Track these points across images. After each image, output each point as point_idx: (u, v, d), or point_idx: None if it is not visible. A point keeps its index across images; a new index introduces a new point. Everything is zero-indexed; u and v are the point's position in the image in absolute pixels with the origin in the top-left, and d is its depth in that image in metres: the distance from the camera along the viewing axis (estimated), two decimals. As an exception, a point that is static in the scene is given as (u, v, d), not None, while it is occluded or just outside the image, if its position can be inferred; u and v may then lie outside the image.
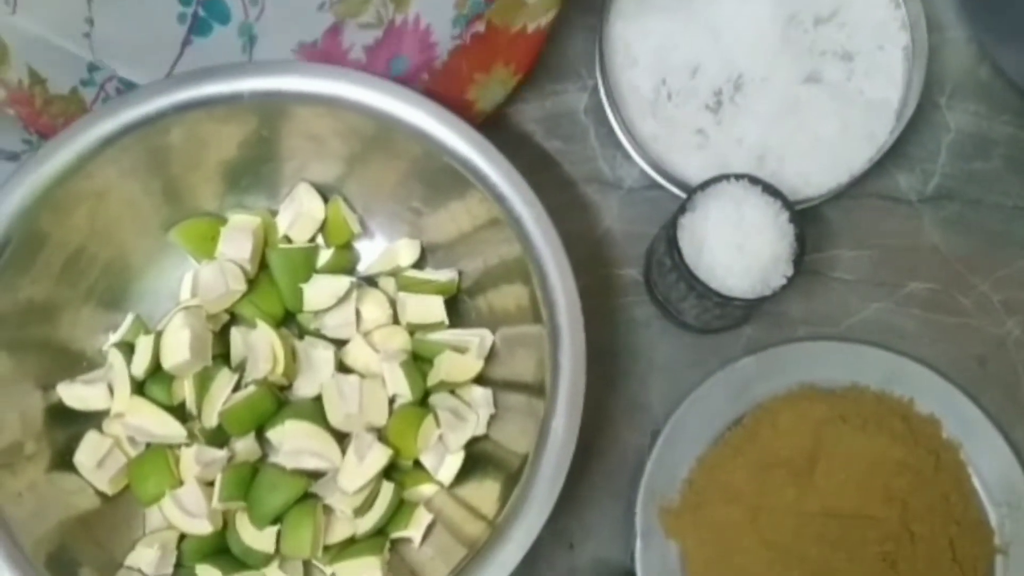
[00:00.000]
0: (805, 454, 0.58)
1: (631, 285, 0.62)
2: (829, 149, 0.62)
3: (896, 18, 0.64)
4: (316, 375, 0.56)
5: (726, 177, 0.55)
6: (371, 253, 0.61)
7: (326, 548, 0.54)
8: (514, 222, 0.54)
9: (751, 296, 0.54)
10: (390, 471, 0.55)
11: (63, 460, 0.54)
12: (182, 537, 0.55)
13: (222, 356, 0.57)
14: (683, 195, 0.62)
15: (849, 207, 0.64)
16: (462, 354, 0.57)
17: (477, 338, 0.57)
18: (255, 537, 0.53)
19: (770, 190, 0.55)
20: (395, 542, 0.56)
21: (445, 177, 0.55)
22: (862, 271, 0.63)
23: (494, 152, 0.54)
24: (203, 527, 0.53)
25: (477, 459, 0.57)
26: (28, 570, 0.48)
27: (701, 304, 0.56)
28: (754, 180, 0.55)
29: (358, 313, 0.58)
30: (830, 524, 0.57)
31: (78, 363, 0.56)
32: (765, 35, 0.63)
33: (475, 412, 0.56)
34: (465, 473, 0.57)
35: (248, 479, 0.54)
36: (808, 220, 0.62)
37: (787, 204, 0.55)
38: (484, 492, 0.55)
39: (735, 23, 0.63)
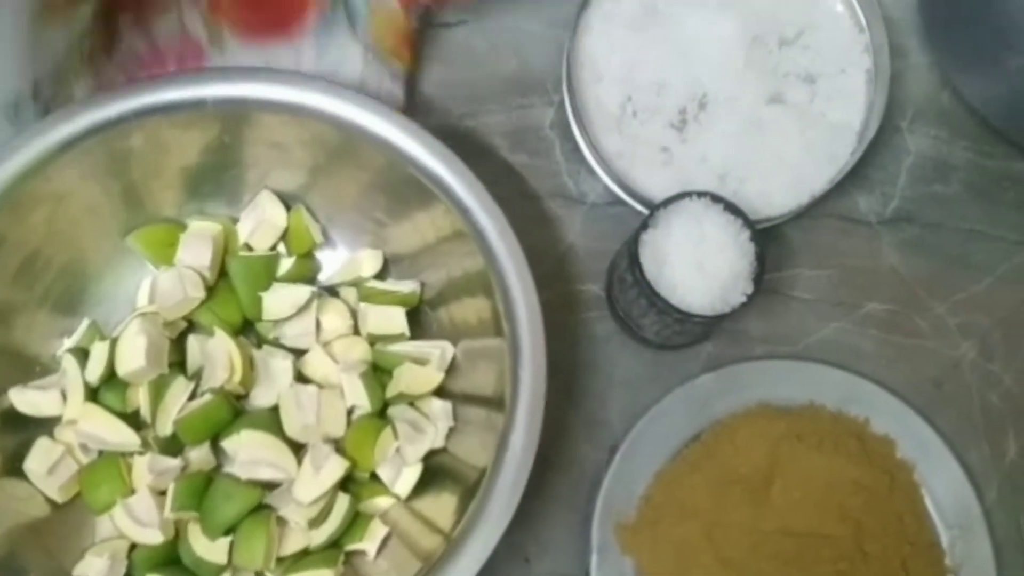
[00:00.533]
0: (762, 472, 0.58)
1: (593, 300, 0.62)
2: (791, 169, 0.63)
3: (860, 42, 0.65)
4: (274, 385, 0.56)
5: (688, 195, 0.56)
6: (333, 263, 0.61)
7: (279, 560, 0.54)
8: (477, 235, 0.54)
9: (711, 313, 0.54)
10: (346, 483, 0.55)
11: (13, 467, 0.53)
12: (133, 547, 0.54)
13: (178, 364, 0.57)
14: (646, 212, 0.62)
15: (809, 227, 0.65)
16: (422, 366, 0.56)
17: (438, 350, 0.57)
18: (207, 548, 0.52)
19: (732, 208, 0.55)
20: (349, 555, 0.55)
21: (409, 188, 0.55)
22: (821, 291, 0.64)
23: (459, 164, 0.54)
24: (154, 537, 0.52)
25: (435, 472, 0.57)
26: (-27, 579, 0.48)
27: (662, 320, 0.57)
28: (716, 198, 0.55)
29: (318, 323, 0.58)
30: (786, 542, 0.57)
31: (31, 368, 0.56)
32: (730, 55, 0.64)
33: (434, 425, 0.56)
34: (422, 486, 0.56)
35: (202, 489, 0.53)
36: (769, 239, 0.63)
37: (748, 223, 0.55)
38: (441, 505, 0.55)
39: (701, 42, 0.64)
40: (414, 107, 0.63)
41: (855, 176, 0.64)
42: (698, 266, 0.54)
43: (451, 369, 0.58)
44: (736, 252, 0.54)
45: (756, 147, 0.63)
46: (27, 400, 0.54)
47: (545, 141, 0.64)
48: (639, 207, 0.63)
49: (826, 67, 0.65)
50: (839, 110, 0.64)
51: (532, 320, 0.53)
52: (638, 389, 0.61)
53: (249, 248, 0.59)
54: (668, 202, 0.56)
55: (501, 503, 0.50)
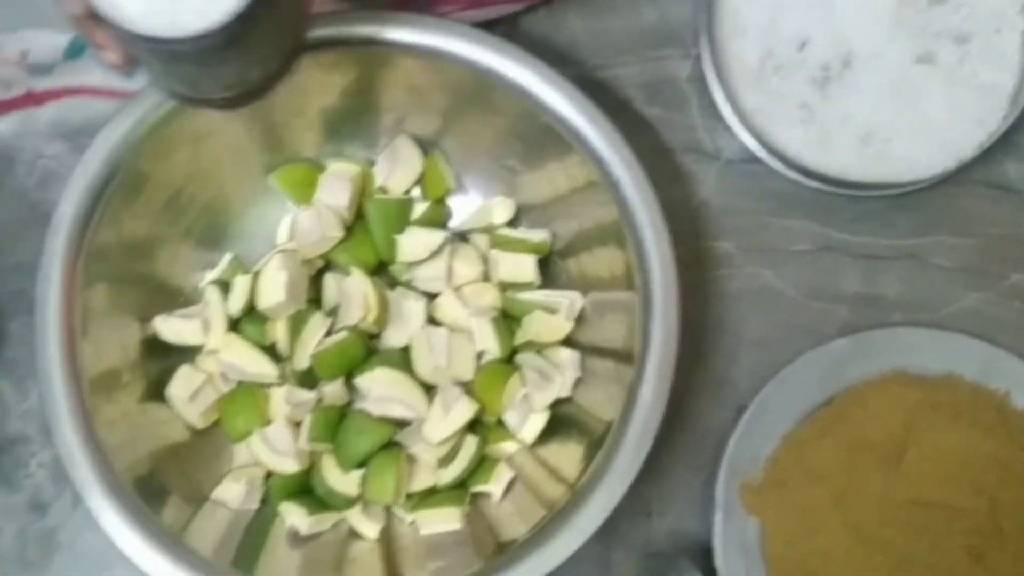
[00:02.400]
0: (895, 440, 0.57)
1: (724, 258, 0.61)
2: (938, 133, 0.61)
3: (1015, 3, 0.62)
4: (406, 326, 0.56)
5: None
6: (465, 209, 0.61)
7: (408, 496, 0.55)
8: (612, 186, 0.53)
9: None
10: (473, 426, 0.56)
11: (156, 392, 0.56)
12: (268, 474, 0.55)
13: (314, 301, 0.58)
14: (784, 170, 0.61)
15: (954, 193, 0.62)
16: (552, 315, 0.56)
17: (567, 300, 0.57)
18: (340, 480, 0.54)
19: None
20: (476, 496, 0.56)
21: (544, 136, 0.55)
22: (963, 259, 0.62)
23: (596, 114, 0.54)
24: (289, 466, 0.54)
25: (560, 421, 0.57)
26: (119, 493, 0.50)
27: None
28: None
29: (449, 268, 0.58)
30: (916, 513, 0.56)
31: (175, 299, 0.57)
32: (879, 12, 0.62)
33: (561, 374, 0.56)
34: (548, 434, 0.57)
35: (335, 422, 0.54)
36: (910, 205, 0.61)
37: None
38: (566, 454, 0.55)
39: (849, -3, 0.62)
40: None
41: (1005, 142, 0.61)
42: None
43: (579, 320, 0.58)
44: None
45: (902, 108, 0.61)
46: (171, 328, 0.56)
47: (681, 95, 0.63)
48: (776, 165, 0.61)
49: (979, 27, 0.62)
50: (991, 72, 0.62)
51: (666, 275, 0.52)
52: (768, 350, 0.60)
53: (384, 191, 0.59)
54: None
55: (628, 456, 0.50)
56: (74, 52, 0.61)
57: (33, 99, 0.61)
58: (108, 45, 0.55)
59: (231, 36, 0.36)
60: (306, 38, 0.43)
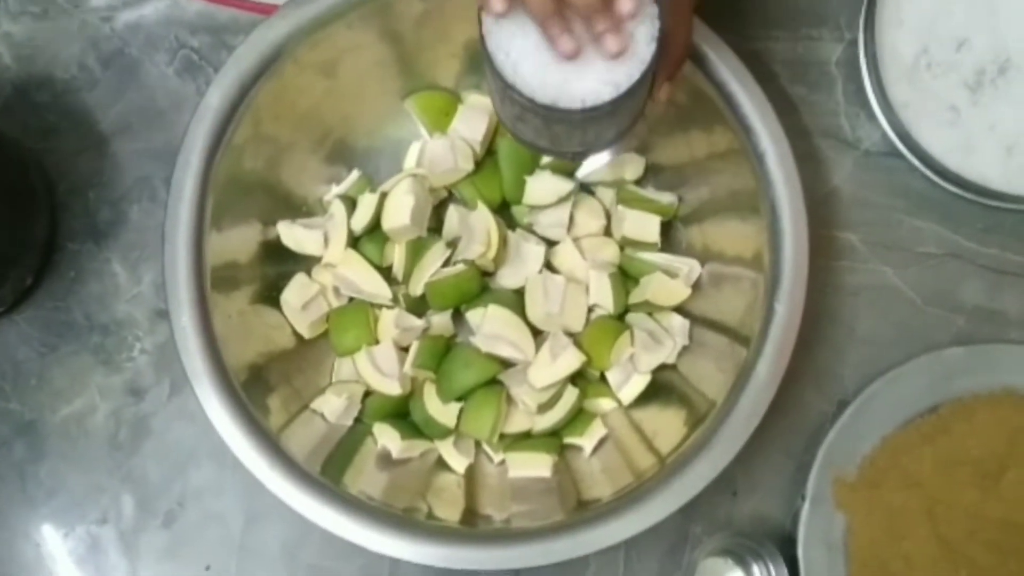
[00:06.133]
0: (996, 458, 0.56)
1: (847, 250, 0.60)
2: (1085, 154, 0.59)
3: None
4: (523, 268, 0.56)
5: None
6: (591, 161, 0.60)
7: (501, 436, 0.55)
8: (757, 158, 0.52)
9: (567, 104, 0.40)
10: (575, 378, 0.55)
11: (269, 296, 0.56)
12: (367, 394, 0.56)
13: (433, 230, 0.58)
14: (922, 169, 0.59)
15: (1091, 219, 0.60)
16: (671, 279, 0.56)
17: (686, 267, 0.56)
18: (439, 409, 0.54)
19: None
20: (566, 448, 0.56)
21: (691, 96, 0.54)
22: (1092, 287, 0.60)
23: (751, 82, 0.53)
24: (392, 387, 0.54)
25: (660, 388, 0.56)
26: (227, 386, 0.50)
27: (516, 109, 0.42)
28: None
29: (572, 217, 0.57)
30: (1007, 533, 0.55)
31: (298, 208, 0.58)
32: (1045, 21, 0.60)
33: (672, 339, 0.56)
34: (645, 399, 0.56)
35: (442, 352, 0.54)
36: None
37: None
38: (662, 423, 0.55)
39: (1015, 2, 0.60)
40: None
41: None
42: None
43: (693, 289, 0.57)
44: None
45: (1054, 124, 0.59)
46: (293, 235, 0.56)
47: (827, 78, 0.61)
48: (916, 163, 0.60)
49: None
50: None
51: (798, 254, 0.52)
52: (878, 348, 0.59)
53: (518, 131, 0.59)
54: None
55: (732, 433, 0.50)
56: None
57: (182, -11, 0.61)
58: None
59: (614, 109, 0.40)
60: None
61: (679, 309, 0.57)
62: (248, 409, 0.50)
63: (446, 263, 0.55)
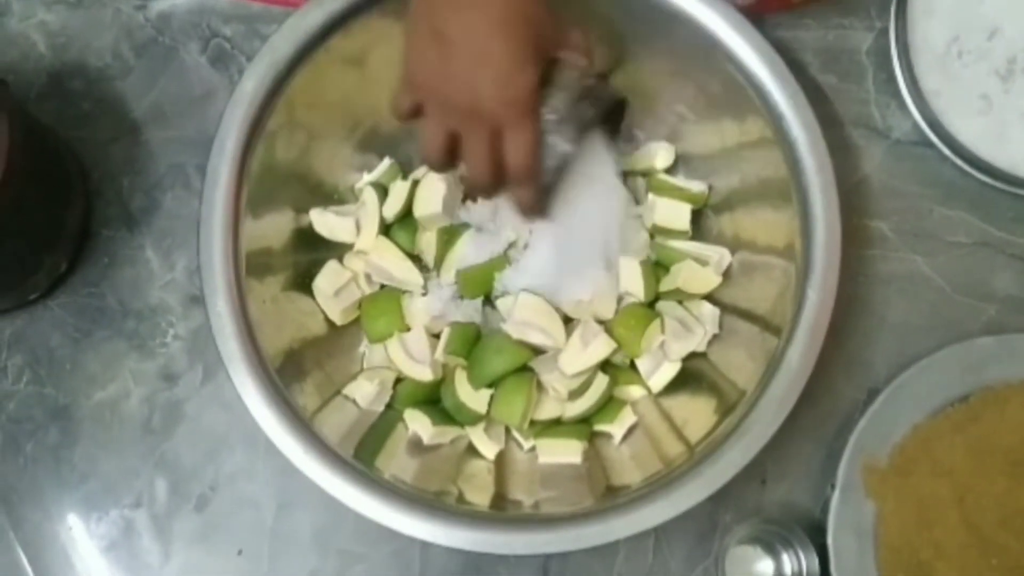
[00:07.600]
0: (1028, 448, 0.55)
1: (878, 238, 0.60)
2: (1118, 145, 0.59)
3: None
4: (554, 255, 0.56)
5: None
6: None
7: (532, 423, 0.55)
8: (788, 145, 0.52)
9: None
10: (605, 365, 0.56)
11: (302, 282, 0.56)
12: (398, 380, 0.56)
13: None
14: (953, 158, 0.59)
15: (1121, 210, 0.60)
16: (702, 267, 0.56)
17: (717, 255, 0.56)
18: (470, 395, 0.54)
19: None
20: (596, 435, 0.56)
21: (721, 84, 0.54)
22: (1126, 278, 0.60)
23: (784, 69, 0.53)
24: (424, 373, 0.54)
25: (690, 376, 0.56)
26: (262, 370, 0.50)
27: None
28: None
29: (602, 205, 0.58)
30: (1039, 523, 0.55)
31: (330, 195, 0.58)
32: (1078, 10, 0.59)
33: (702, 327, 0.56)
34: (675, 387, 0.56)
35: (473, 339, 0.55)
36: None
37: None
38: (691, 410, 0.55)
39: (1048, -10, 0.60)
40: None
41: None
42: None
43: (724, 278, 0.57)
44: None
45: (1086, 113, 0.59)
46: (325, 222, 0.56)
47: (858, 66, 0.61)
48: (946, 151, 0.59)
49: None
50: None
51: (830, 241, 0.52)
52: (909, 337, 0.59)
53: (548, 120, 0.59)
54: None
55: (763, 420, 0.50)
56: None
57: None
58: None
59: None
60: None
61: (709, 297, 0.57)
62: (283, 394, 0.50)
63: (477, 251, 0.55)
